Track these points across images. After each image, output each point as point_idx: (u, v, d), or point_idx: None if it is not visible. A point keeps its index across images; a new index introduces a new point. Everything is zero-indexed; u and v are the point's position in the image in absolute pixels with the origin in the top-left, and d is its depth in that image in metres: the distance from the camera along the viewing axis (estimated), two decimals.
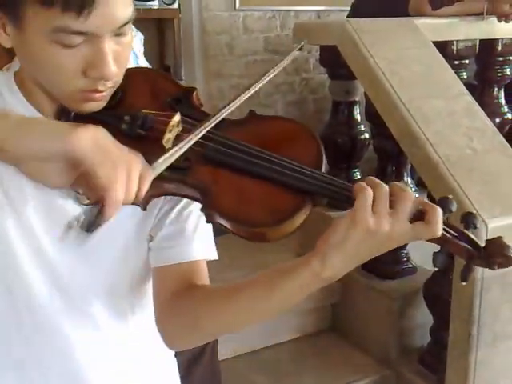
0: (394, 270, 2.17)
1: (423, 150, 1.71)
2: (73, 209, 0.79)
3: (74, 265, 0.82)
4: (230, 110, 0.78)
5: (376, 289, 2.12)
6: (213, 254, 0.90)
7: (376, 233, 0.68)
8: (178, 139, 0.76)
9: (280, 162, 0.75)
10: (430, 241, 0.73)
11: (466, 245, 0.73)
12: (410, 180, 2.25)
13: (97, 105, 0.77)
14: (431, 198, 1.78)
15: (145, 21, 3.46)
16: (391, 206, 0.69)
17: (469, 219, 0.73)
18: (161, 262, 0.87)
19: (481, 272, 1.62)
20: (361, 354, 2.17)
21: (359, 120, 2.42)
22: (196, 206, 0.86)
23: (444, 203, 0.72)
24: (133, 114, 0.78)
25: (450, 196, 0.73)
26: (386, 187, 0.70)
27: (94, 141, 0.67)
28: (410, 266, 2.19)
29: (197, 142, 0.75)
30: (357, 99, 2.39)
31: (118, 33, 0.73)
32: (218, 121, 0.77)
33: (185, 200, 0.86)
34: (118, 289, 0.87)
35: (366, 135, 2.39)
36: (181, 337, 0.88)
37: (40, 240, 0.80)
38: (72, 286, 0.83)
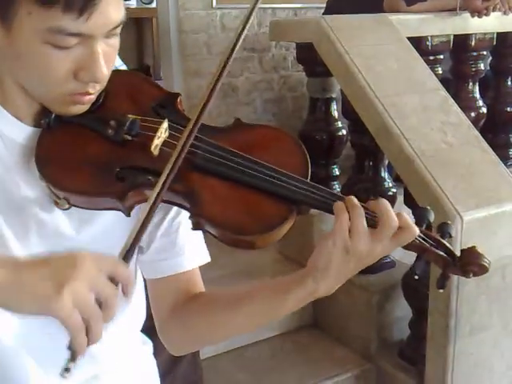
0: (373, 264, 2.17)
1: (399, 145, 1.73)
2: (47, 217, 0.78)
3: None
4: (212, 96, 0.76)
5: (355, 283, 2.13)
6: (206, 258, 0.91)
7: (354, 253, 0.72)
8: (165, 146, 0.76)
9: (268, 169, 0.76)
10: (409, 249, 0.75)
11: (443, 253, 0.75)
12: (387, 175, 2.27)
13: (83, 107, 0.76)
14: (408, 193, 1.80)
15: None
16: (373, 226, 0.71)
17: (444, 229, 0.77)
18: (155, 275, 0.89)
19: None
20: (341, 349, 2.18)
21: (336, 117, 2.43)
22: (185, 215, 0.86)
23: (421, 213, 0.75)
24: (119, 119, 0.77)
25: (428, 207, 0.76)
26: (361, 210, 0.72)
27: (74, 302, 0.62)
28: (388, 260, 2.21)
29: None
30: (334, 96, 2.40)
31: (110, 34, 0.73)
32: (200, 122, 0.75)
33: (174, 210, 0.86)
34: None
35: (344, 132, 2.40)
36: (182, 344, 0.92)
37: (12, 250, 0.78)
38: None
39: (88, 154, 0.77)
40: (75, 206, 0.77)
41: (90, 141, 0.78)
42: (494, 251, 1.68)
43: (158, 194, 0.70)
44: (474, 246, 0.77)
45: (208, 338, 0.91)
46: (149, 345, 1.03)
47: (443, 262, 0.76)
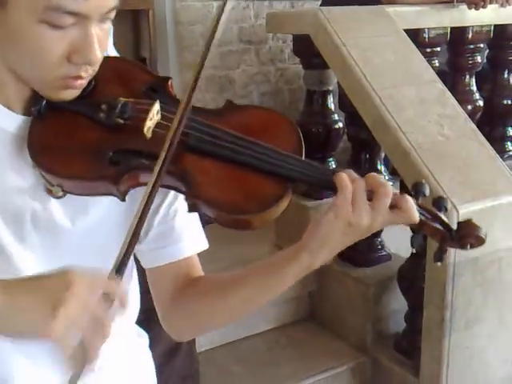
0: (369, 257, 2.18)
1: (395, 137, 1.72)
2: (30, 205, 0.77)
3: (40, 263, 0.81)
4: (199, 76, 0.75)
5: (351, 277, 2.13)
6: (204, 245, 0.91)
7: (357, 225, 0.73)
8: (158, 128, 0.75)
9: (262, 148, 0.76)
10: (409, 224, 0.76)
11: (439, 226, 0.76)
12: (383, 168, 2.26)
13: (74, 92, 0.76)
14: (404, 186, 1.79)
15: (119, 12, 3.42)
16: (370, 199, 0.73)
17: (440, 203, 0.77)
18: (155, 263, 0.88)
19: (453, 258, 1.64)
20: (337, 342, 2.18)
21: (333, 109, 2.42)
22: (182, 201, 0.86)
23: (418, 187, 0.76)
24: (110, 102, 0.77)
25: (423, 180, 0.77)
26: (363, 183, 0.73)
27: (68, 325, 0.62)
28: (384, 253, 2.21)
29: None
30: (330, 88, 2.39)
31: (105, 18, 0.73)
32: (191, 103, 0.74)
33: (170, 197, 0.86)
34: None
35: (340, 124, 2.39)
36: (185, 330, 0.93)
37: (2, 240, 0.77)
38: None
39: (81, 139, 0.77)
40: (69, 192, 0.76)
41: (82, 126, 0.77)
42: (489, 244, 1.66)
43: (156, 180, 0.70)
44: (470, 219, 0.78)
45: (209, 322, 0.91)
46: (144, 337, 1.03)
47: (440, 236, 0.77)
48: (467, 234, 0.77)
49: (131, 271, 0.92)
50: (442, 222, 0.77)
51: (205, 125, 0.77)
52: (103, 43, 0.74)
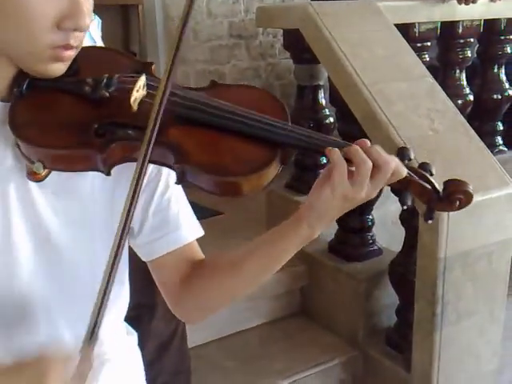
0: (360, 252, 2.19)
1: (385, 132, 1.72)
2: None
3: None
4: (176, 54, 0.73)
5: (343, 271, 2.14)
6: (200, 231, 0.92)
7: (354, 199, 0.75)
8: (143, 104, 0.74)
9: (250, 115, 0.76)
10: (396, 183, 0.77)
11: (427, 185, 0.78)
12: None
13: (62, 67, 0.74)
14: None
15: (109, 7, 3.40)
16: (372, 175, 0.74)
17: (425, 167, 0.79)
18: (154, 255, 0.88)
19: (443, 252, 1.65)
20: (329, 336, 2.19)
21: (324, 104, 2.42)
22: (174, 191, 0.87)
23: (403, 152, 0.78)
24: (96, 77, 0.76)
25: (408, 146, 0.81)
26: (370, 164, 0.73)
27: None
28: (375, 247, 2.21)
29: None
30: (321, 83, 2.39)
31: None
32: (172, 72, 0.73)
33: (161, 187, 0.85)
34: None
35: (331, 119, 2.39)
36: (197, 313, 0.95)
37: None
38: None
39: (65, 113, 0.76)
40: (51, 168, 0.74)
41: (66, 102, 0.76)
42: (480, 238, 1.69)
43: (146, 151, 0.69)
44: (455, 178, 0.79)
45: (219, 301, 0.92)
46: (134, 335, 1.02)
47: (427, 196, 0.78)
48: (454, 190, 0.78)
49: (125, 266, 0.91)
50: (429, 182, 0.78)
51: (191, 94, 0.78)
52: (91, 9, 0.73)
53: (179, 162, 0.73)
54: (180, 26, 0.71)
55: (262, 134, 0.76)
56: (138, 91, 0.74)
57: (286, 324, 2.27)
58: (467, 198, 0.78)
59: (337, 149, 0.74)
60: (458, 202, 0.78)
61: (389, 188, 0.82)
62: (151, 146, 0.69)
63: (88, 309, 0.68)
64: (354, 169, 0.74)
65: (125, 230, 0.68)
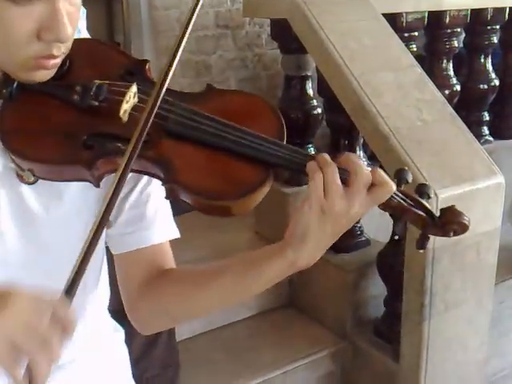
0: (348, 243, 2.18)
1: (374, 122, 1.72)
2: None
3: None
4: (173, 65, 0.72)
5: (331, 262, 2.13)
6: (175, 233, 0.88)
7: (331, 212, 0.69)
8: (135, 111, 0.72)
9: (243, 133, 0.73)
10: (388, 210, 0.74)
11: (422, 212, 0.75)
12: (362, 153, 2.26)
13: (47, 73, 0.73)
14: (383, 171, 1.79)
15: None
16: (346, 183, 0.69)
17: (422, 190, 0.75)
18: (123, 249, 0.86)
19: (432, 242, 1.65)
20: (318, 328, 2.19)
21: (312, 95, 2.40)
22: (155, 187, 0.84)
23: (400, 174, 0.73)
24: (84, 84, 0.73)
25: (406, 168, 0.75)
26: (334, 167, 0.69)
27: (5, 343, 0.59)
28: (363, 238, 2.21)
29: (156, 113, 0.70)
30: (309, 74, 2.37)
31: None
32: (166, 85, 0.72)
33: (143, 181, 0.83)
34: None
35: (319, 110, 2.38)
36: (152, 323, 0.89)
37: None
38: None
39: (53, 122, 0.74)
40: (41, 177, 0.73)
41: (55, 109, 0.74)
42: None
43: (127, 163, 0.67)
44: (453, 205, 0.76)
45: (179, 315, 0.88)
46: (121, 332, 1.01)
47: (422, 222, 0.75)
48: (450, 221, 0.75)
49: (102, 258, 0.89)
50: (425, 209, 0.75)
51: (184, 108, 0.75)
52: (74, 18, 0.71)
53: (169, 181, 0.71)
54: (176, 42, 0.70)
55: (255, 155, 0.73)
56: (128, 102, 0.72)
57: (275, 316, 2.27)
58: (462, 229, 0.75)
59: (312, 161, 0.70)
60: (452, 233, 0.75)
61: None
62: (137, 151, 0.67)
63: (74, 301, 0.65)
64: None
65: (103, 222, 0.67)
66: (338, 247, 2.18)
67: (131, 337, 1.05)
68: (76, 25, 0.72)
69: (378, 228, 2.24)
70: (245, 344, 2.12)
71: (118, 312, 0.98)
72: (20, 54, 0.69)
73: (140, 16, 3.15)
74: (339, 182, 0.69)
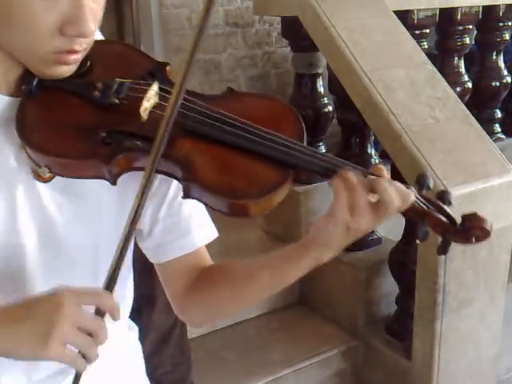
0: (359, 241, 2.17)
1: (386, 120, 1.71)
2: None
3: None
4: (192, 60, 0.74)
5: (342, 260, 2.13)
6: (213, 234, 0.90)
7: (357, 230, 0.72)
8: (156, 108, 0.73)
9: (263, 133, 0.73)
10: (410, 215, 0.74)
11: (443, 218, 0.74)
12: (374, 151, 2.25)
13: (68, 69, 0.73)
14: (395, 169, 1.78)
15: None
16: (374, 204, 0.70)
17: (444, 196, 0.76)
18: (165, 258, 0.87)
19: None
20: (328, 326, 2.18)
21: (322, 93, 2.40)
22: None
23: (422, 179, 0.74)
24: (106, 81, 0.74)
25: (427, 173, 0.76)
26: (361, 189, 0.70)
27: (64, 343, 0.66)
28: (375, 236, 2.20)
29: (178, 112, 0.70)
30: (320, 71, 2.37)
31: None
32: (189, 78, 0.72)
33: (172, 191, 0.83)
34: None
35: (330, 108, 2.37)
36: (206, 319, 0.94)
37: None
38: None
39: (72, 118, 0.74)
40: (57, 174, 0.73)
41: (74, 105, 0.74)
42: None
43: (153, 163, 0.67)
44: (475, 212, 0.76)
45: (229, 309, 0.91)
46: (135, 330, 1.02)
47: (443, 228, 0.75)
48: (472, 226, 0.74)
49: (130, 257, 0.90)
50: (446, 214, 0.75)
51: (204, 107, 0.75)
52: (96, 15, 0.71)
53: (186, 180, 0.71)
54: (193, 42, 0.71)
55: (275, 155, 0.72)
56: (149, 100, 0.73)
57: (285, 314, 2.27)
58: (484, 235, 0.75)
59: (338, 178, 0.71)
60: (473, 239, 0.75)
61: None
62: (160, 153, 0.67)
63: None
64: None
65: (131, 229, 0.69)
66: (349, 245, 2.17)
67: (144, 334, 1.05)
68: (98, 22, 0.73)
69: (389, 226, 2.23)
70: (256, 342, 2.12)
71: (131, 310, 0.99)
72: (42, 48, 0.69)
73: (150, 14, 3.15)
74: (367, 204, 0.70)
